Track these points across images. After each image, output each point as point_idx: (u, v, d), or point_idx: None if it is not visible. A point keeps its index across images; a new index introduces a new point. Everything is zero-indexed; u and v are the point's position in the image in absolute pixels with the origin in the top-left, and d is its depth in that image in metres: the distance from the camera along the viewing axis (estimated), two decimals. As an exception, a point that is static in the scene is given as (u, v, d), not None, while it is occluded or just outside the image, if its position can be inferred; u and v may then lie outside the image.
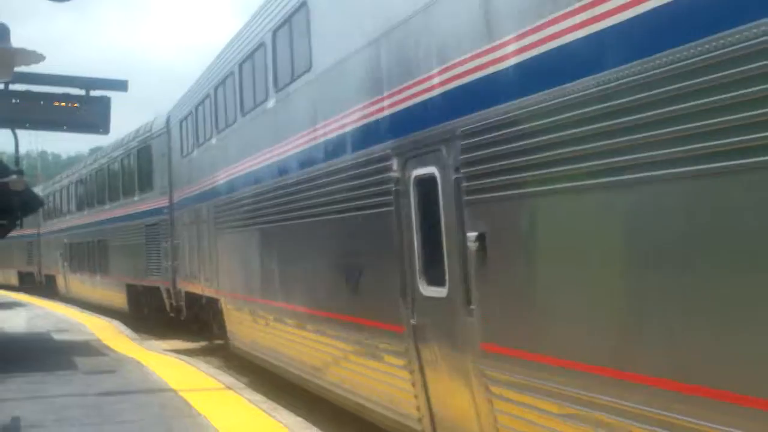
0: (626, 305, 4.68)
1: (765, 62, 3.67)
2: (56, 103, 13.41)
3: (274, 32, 10.96)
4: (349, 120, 8.55)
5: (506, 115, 5.61)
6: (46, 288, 37.84)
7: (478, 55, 6.00)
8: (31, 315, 24.54)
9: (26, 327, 20.88)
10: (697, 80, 4.04)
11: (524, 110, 5.42)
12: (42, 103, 13.31)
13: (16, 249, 43.00)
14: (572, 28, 4.96)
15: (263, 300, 11.90)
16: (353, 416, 9.22)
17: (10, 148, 51.91)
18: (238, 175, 13.14)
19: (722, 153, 3.92)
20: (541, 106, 5.23)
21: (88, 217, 29.18)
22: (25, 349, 16.24)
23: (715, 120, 3.94)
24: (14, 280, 45.38)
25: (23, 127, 14.24)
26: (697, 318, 4.14)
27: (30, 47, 8.17)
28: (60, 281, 35.43)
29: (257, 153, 11.95)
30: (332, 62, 8.97)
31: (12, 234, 34.47)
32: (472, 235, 5.97)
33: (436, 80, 6.65)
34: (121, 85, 14.20)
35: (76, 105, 13.52)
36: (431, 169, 6.71)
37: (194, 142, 16.41)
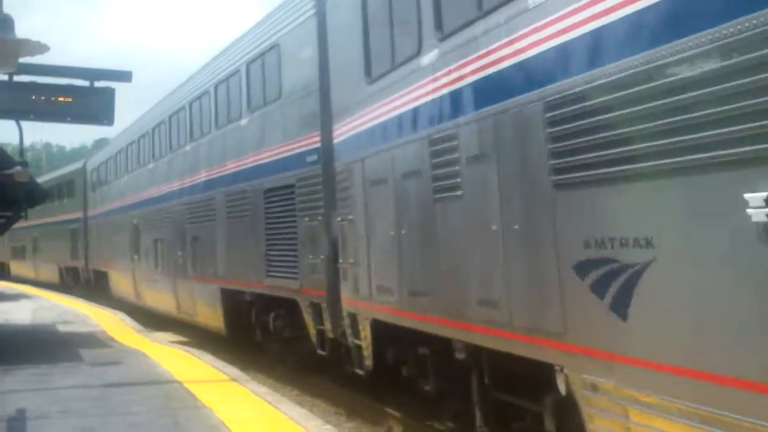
0: None
1: None
2: (60, 96, 13.36)
3: None
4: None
5: None
6: None
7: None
8: (36, 307, 24.58)
9: (32, 319, 20.90)
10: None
11: None
12: (46, 94, 13.26)
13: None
14: None
15: None
16: (357, 410, 9.24)
17: (14, 140, 52.05)
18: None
19: None
20: None
21: None
22: (31, 340, 16.27)
23: None
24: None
25: (27, 118, 14.17)
26: None
27: (34, 38, 8.15)
28: None
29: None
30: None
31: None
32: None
33: None
34: (125, 76, 14.11)
35: (79, 96, 13.47)
36: None
37: None
